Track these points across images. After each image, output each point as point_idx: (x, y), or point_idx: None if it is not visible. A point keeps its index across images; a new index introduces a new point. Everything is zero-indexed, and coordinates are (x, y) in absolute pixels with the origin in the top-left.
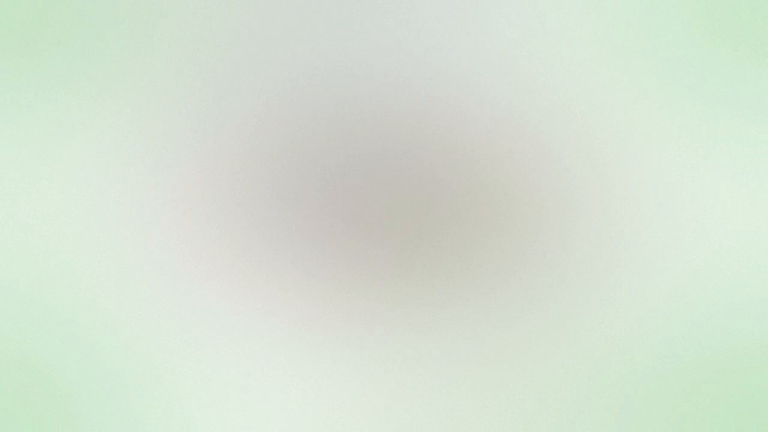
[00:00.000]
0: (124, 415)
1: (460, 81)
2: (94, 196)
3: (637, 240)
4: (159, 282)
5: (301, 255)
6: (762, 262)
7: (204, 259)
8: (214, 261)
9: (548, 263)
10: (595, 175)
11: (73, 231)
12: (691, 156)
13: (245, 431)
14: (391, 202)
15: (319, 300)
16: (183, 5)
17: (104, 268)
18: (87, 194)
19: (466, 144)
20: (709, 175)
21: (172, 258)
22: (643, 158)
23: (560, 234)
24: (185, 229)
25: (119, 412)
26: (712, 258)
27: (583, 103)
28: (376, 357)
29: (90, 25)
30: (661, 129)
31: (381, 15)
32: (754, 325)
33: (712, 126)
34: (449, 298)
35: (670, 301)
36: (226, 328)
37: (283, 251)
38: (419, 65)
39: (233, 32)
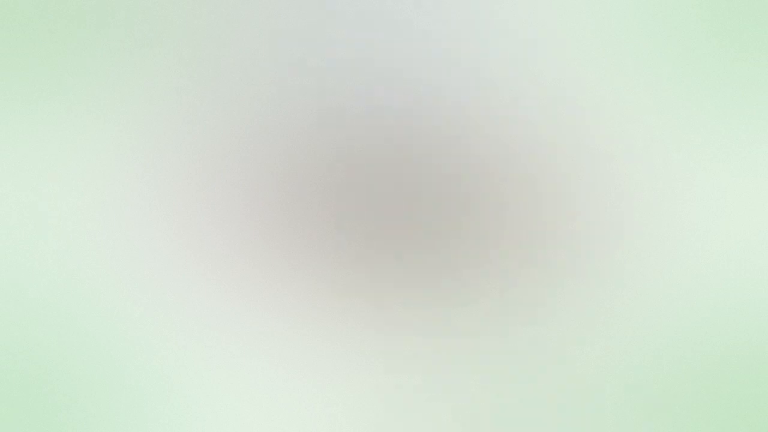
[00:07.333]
0: (124, 415)
1: (462, 81)
2: (95, 196)
3: (638, 240)
4: (160, 282)
5: (303, 255)
6: (762, 262)
7: (204, 258)
8: (214, 260)
9: (549, 263)
10: (598, 176)
11: (74, 231)
12: (693, 156)
13: (245, 430)
14: (393, 202)
15: (320, 300)
16: (184, 5)
17: (104, 268)
18: (87, 194)
19: (468, 144)
20: (710, 175)
21: (172, 257)
22: (646, 159)
23: (561, 234)
24: (186, 229)
25: (119, 411)
26: (713, 258)
27: (586, 105)
28: (377, 356)
29: (90, 25)
30: (663, 130)
31: (384, 15)
32: (754, 325)
33: (714, 127)
34: (451, 297)
35: (671, 301)
36: (227, 328)
37: (284, 251)
38: (422, 65)
39: (233, 32)
